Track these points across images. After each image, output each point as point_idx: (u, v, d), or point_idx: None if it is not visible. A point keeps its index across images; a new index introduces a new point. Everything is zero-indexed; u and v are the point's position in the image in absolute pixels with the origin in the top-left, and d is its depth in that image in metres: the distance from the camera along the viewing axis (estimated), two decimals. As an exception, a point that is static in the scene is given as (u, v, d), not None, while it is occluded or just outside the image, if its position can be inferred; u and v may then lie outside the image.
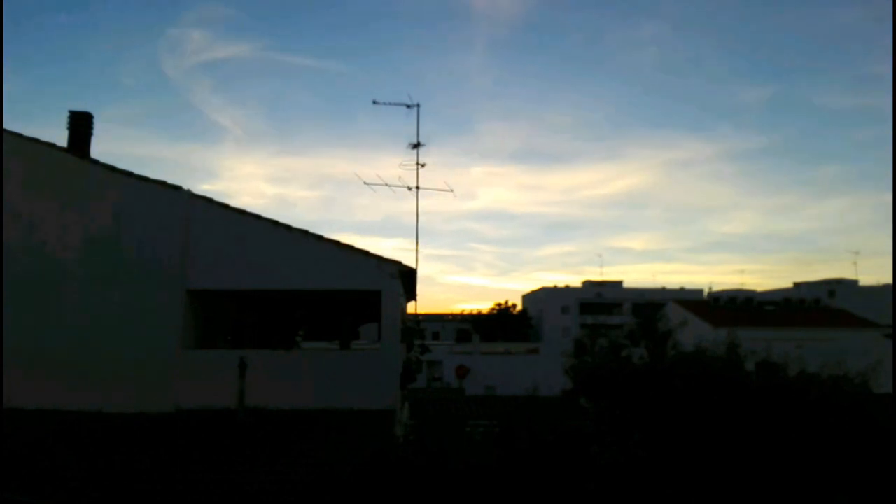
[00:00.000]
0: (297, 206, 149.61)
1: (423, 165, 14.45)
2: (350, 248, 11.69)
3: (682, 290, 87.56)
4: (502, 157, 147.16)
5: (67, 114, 12.99)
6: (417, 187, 14.35)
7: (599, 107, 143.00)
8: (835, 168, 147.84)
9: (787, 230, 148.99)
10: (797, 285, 77.05)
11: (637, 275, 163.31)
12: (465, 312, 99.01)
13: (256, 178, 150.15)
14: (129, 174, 11.87)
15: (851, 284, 75.25)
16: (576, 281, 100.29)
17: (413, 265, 12.17)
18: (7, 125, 11.69)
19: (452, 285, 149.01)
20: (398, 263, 11.64)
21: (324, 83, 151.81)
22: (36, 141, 12.00)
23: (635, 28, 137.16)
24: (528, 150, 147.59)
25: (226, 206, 11.85)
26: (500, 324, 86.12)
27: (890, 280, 67.10)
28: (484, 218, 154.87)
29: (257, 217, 11.77)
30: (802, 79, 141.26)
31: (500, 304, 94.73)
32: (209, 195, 12.03)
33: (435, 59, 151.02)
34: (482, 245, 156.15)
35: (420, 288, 14.16)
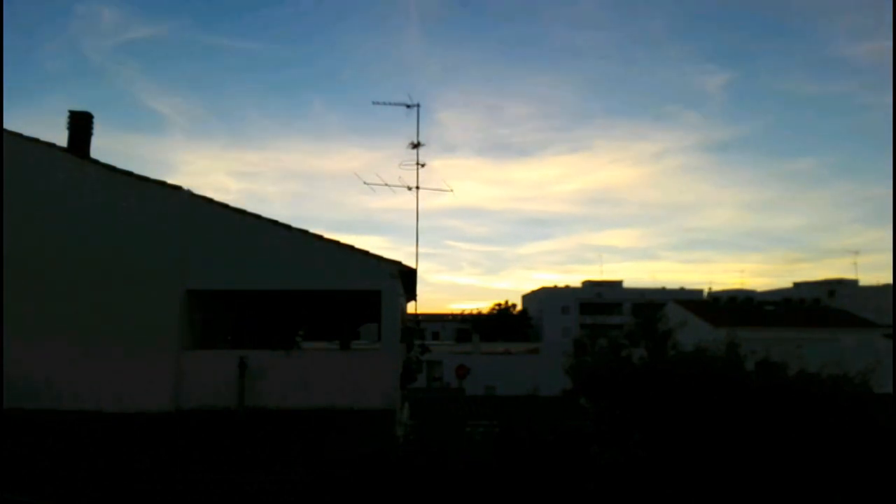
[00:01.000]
0: (266, 202, 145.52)
1: (423, 165, 14.44)
2: (350, 248, 11.69)
3: (681, 291, 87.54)
4: (466, 150, 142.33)
5: (67, 114, 13.03)
6: (417, 187, 14.35)
7: (555, 94, 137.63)
8: (810, 161, 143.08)
9: (772, 227, 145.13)
10: (797, 285, 77.09)
11: (626, 273, 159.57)
12: (465, 312, 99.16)
13: (216, 171, 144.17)
14: (129, 174, 11.87)
15: (851, 284, 75.30)
16: (569, 280, 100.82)
17: (412, 265, 12.17)
18: None
19: (442, 285, 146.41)
20: (398, 263, 11.63)
21: (258, 66, 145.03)
22: (36, 141, 12.00)
23: (572, 4, 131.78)
24: (492, 143, 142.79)
25: (226, 206, 11.85)
26: (500, 324, 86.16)
27: (890, 280, 67.09)
28: (457, 214, 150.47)
29: (257, 217, 11.77)
30: (761, 63, 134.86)
31: (499, 305, 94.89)
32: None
33: (371, 40, 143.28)
34: (461, 243, 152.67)
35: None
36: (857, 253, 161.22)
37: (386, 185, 14.27)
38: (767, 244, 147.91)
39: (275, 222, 11.76)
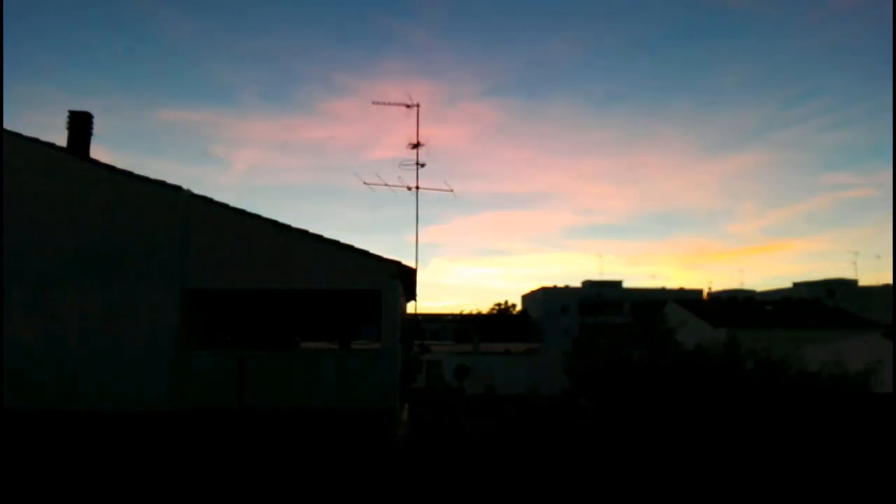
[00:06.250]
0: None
1: (422, 165, 14.46)
2: (350, 248, 11.69)
3: (681, 291, 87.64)
4: (241, 104, 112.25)
5: (67, 114, 13.04)
6: (417, 187, 14.36)
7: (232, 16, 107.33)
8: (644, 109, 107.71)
9: (667, 207, 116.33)
10: (797, 285, 77.08)
11: (554, 264, 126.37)
12: (465, 312, 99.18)
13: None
14: (129, 174, 11.87)
15: (851, 284, 75.19)
16: (574, 281, 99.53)
17: (412, 265, 12.17)
18: None
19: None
20: (398, 263, 11.64)
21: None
22: (36, 141, 11.99)
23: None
24: (255, 90, 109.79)
25: (225, 206, 11.85)
26: (499, 324, 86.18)
27: (890, 280, 67.17)
28: (291, 194, 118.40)
29: (257, 217, 11.77)
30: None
31: (499, 305, 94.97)
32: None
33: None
34: (344, 233, 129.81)
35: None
36: (857, 253, 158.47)
37: (386, 185, 14.27)
38: (669, 228, 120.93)
39: (275, 222, 11.77)
